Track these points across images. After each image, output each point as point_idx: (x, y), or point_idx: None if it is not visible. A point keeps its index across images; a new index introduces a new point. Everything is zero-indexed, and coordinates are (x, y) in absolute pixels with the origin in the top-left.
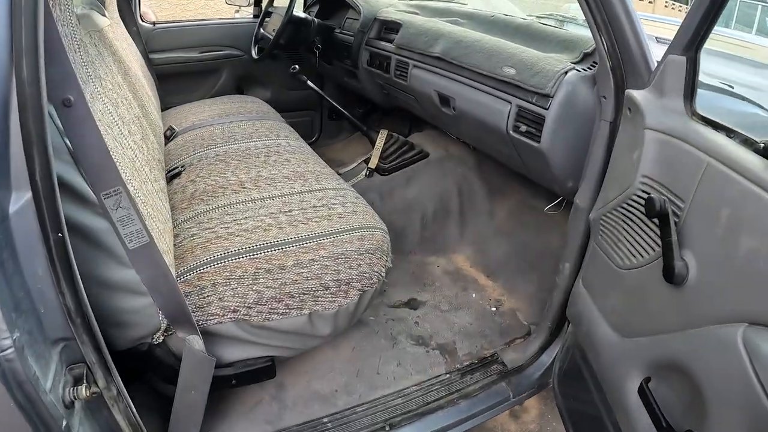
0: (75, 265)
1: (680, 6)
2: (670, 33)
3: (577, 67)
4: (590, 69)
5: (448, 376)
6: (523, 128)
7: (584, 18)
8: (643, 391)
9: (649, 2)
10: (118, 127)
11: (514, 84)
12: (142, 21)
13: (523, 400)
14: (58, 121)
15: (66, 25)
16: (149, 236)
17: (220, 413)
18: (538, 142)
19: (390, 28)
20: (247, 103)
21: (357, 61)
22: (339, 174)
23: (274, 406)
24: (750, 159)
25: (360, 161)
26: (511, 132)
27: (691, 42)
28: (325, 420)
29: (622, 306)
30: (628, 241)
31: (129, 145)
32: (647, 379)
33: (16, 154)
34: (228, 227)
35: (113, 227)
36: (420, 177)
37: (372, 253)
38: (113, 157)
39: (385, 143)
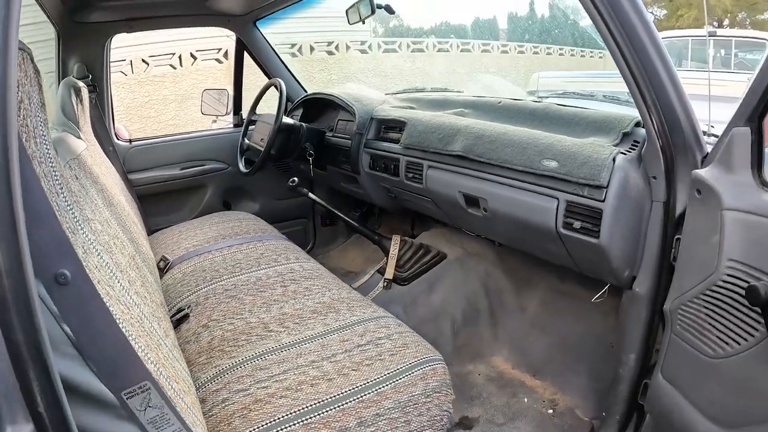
0: None
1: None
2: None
3: (622, 149)
4: (632, 150)
5: None
6: (577, 224)
7: (602, 96)
8: None
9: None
10: (119, 282)
11: (558, 178)
12: (118, 139)
13: None
14: (51, 304)
15: (44, 163)
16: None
17: None
18: (597, 237)
19: (391, 126)
20: (240, 221)
21: (357, 165)
22: (353, 288)
23: None
24: None
25: (373, 272)
26: (561, 230)
27: (755, 111)
28: None
29: (722, 396)
30: (717, 329)
31: (133, 300)
32: None
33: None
34: (266, 387)
35: None
36: (442, 281)
37: (438, 392)
38: (123, 328)
39: (399, 250)
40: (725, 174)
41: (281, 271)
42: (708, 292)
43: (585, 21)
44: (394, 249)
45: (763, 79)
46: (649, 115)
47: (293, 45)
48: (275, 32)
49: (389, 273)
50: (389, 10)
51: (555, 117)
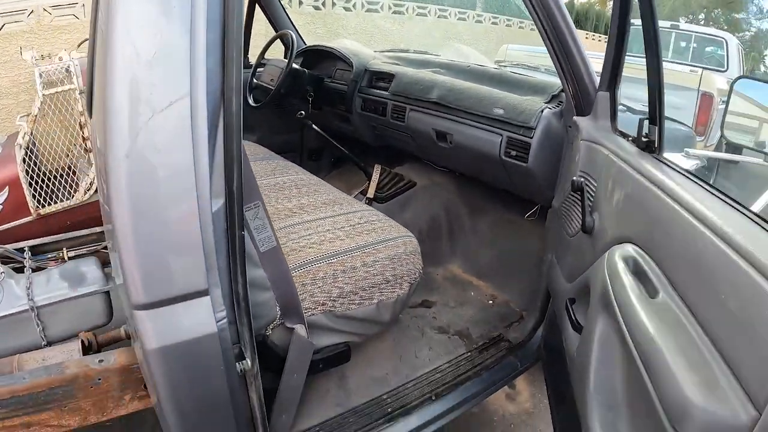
0: (245, 258)
1: (600, 36)
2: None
3: (549, 105)
4: (558, 106)
5: (469, 354)
6: (514, 153)
7: (543, 69)
8: (567, 307)
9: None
10: None
11: (504, 121)
12: None
13: (528, 368)
14: None
15: None
16: (276, 241)
17: (300, 401)
18: (526, 162)
19: (381, 77)
20: (249, 147)
21: (351, 106)
22: None
23: (341, 392)
24: (625, 146)
25: (356, 193)
26: (503, 157)
27: (610, 82)
28: (384, 396)
29: (570, 261)
30: (573, 216)
31: None
32: (572, 300)
33: (218, 168)
34: (298, 242)
35: (250, 234)
36: (412, 203)
37: (413, 254)
38: None
39: (379, 176)
40: (593, 121)
41: (293, 179)
42: (570, 192)
43: None
44: (375, 175)
45: (609, 59)
46: (567, 83)
47: None
48: None
49: (370, 193)
50: None
51: (507, 80)
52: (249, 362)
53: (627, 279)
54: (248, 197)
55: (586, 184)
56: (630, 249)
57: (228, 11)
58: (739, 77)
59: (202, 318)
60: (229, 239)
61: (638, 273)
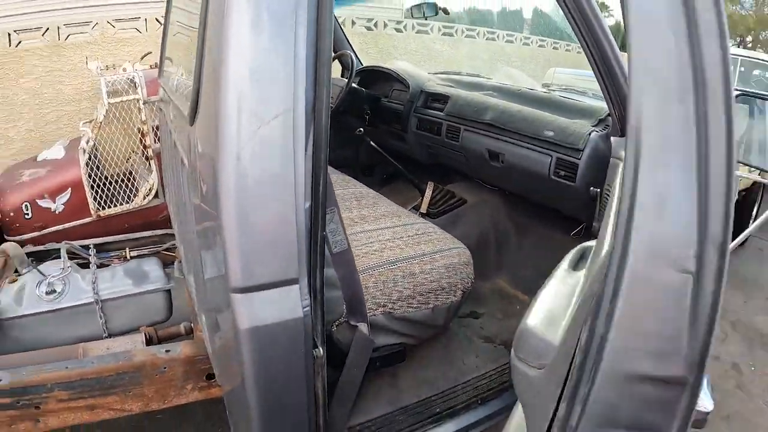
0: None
1: None
2: None
3: (596, 129)
4: (604, 130)
5: None
6: (562, 173)
7: (591, 93)
8: None
9: None
10: None
11: (554, 142)
12: None
13: None
14: None
15: None
16: (348, 244)
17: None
18: (574, 182)
19: (436, 98)
20: None
21: (406, 125)
22: None
23: (392, 391)
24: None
25: (410, 208)
26: (552, 176)
27: None
28: (433, 398)
29: None
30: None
31: None
32: None
33: (307, 174)
34: (361, 249)
35: (326, 236)
36: (462, 219)
37: (466, 265)
38: None
39: (432, 192)
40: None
41: (352, 191)
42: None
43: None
44: (429, 191)
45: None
46: (613, 108)
47: (338, 17)
48: None
49: (423, 208)
50: (445, 11)
51: (557, 104)
52: (320, 350)
53: (566, 261)
54: (328, 205)
55: (604, 194)
56: (593, 241)
57: (321, 40)
58: (739, 94)
59: (291, 303)
60: (311, 237)
61: (581, 256)
